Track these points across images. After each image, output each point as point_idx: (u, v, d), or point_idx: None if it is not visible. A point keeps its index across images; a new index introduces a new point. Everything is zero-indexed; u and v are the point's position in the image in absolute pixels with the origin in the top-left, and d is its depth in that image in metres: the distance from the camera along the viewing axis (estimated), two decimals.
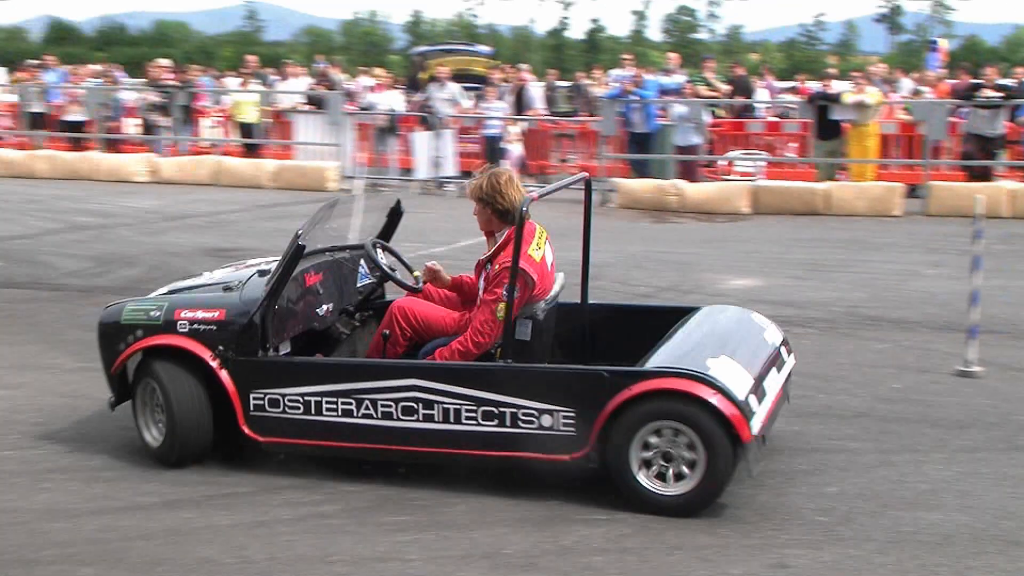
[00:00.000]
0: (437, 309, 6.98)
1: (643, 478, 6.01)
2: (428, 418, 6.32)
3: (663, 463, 5.99)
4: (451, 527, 5.83)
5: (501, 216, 6.71)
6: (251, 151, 23.21)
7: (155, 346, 6.81)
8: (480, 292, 6.69)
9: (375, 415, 6.41)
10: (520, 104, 22.38)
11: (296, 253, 6.64)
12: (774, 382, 6.52)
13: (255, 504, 6.12)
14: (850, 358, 9.19)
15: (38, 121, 24.84)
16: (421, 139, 21.00)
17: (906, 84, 24.07)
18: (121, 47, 79.54)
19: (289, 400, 6.58)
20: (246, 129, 23.46)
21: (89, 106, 24.33)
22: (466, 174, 21.13)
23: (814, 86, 22.22)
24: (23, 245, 14.85)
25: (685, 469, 5.96)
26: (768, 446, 6.52)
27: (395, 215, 7.83)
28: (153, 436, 6.84)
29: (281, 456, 6.67)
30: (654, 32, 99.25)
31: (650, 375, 6.03)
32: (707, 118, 19.94)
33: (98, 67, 31.21)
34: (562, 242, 14.45)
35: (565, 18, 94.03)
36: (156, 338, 6.81)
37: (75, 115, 24.47)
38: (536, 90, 23.35)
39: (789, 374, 7.02)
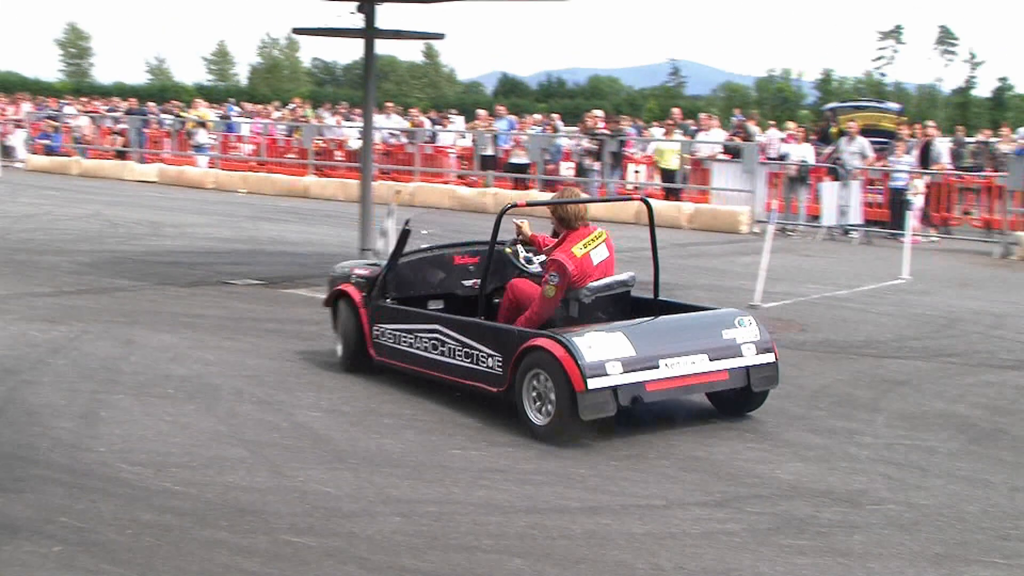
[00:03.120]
0: (535, 288, 8.29)
1: (528, 409, 7.52)
2: (442, 353, 8.29)
3: (538, 401, 7.45)
4: (848, 555, 5.63)
5: (560, 222, 8.26)
6: (671, 194, 23.42)
7: (339, 290, 9.43)
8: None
9: (421, 348, 8.49)
10: (926, 158, 21.49)
11: (403, 234, 8.98)
12: (690, 365, 7.61)
13: (666, 517, 6.13)
14: None
15: (488, 162, 26.02)
16: (829, 188, 20.50)
17: None
18: (560, 99, 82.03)
19: (388, 332, 8.88)
20: (667, 174, 23.71)
21: (532, 150, 25.29)
22: (870, 223, 20.52)
23: None
24: None
25: (552, 404, 7.34)
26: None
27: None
28: (339, 351, 9.43)
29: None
30: None
31: (534, 335, 7.59)
32: None
33: (539, 116, 32.37)
34: (960, 291, 13.68)
35: (972, 77, 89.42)
36: (341, 285, 9.48)
37: (519, 158, 25.51)
38: (943, 145, 22.36)
39: (758, 368, 7.91)
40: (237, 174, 29.08)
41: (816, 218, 20.95)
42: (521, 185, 24.93)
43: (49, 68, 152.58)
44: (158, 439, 7.34)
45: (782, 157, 22.48)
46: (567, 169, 25.36)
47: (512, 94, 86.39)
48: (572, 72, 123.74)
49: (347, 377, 9.13)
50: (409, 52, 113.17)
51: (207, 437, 7.42)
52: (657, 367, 7.46)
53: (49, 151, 33.41)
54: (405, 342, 8.68)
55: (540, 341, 7.45)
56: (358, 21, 14.09)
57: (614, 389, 7.26)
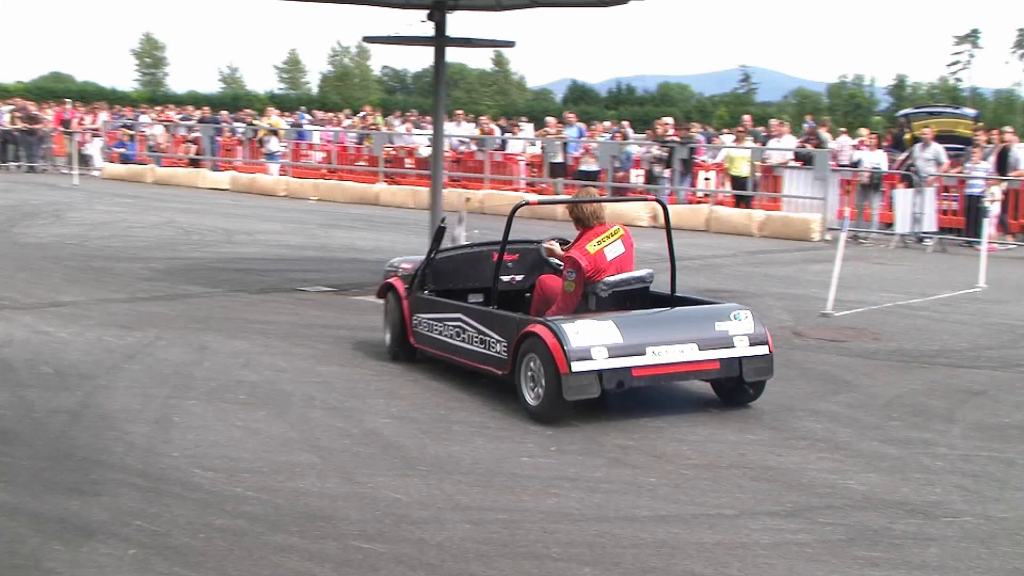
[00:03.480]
0: (561, 283, 8.80)
1: (525, 391, 8.11)
2: (464, 340, 8.92)
3: (532, 382, 8.02)
4: (923, 568, 5.54)
5: (576, 222, 8.84)
6: (741, 202, 23.27)
7: (388, 283, 10.19)
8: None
9: (448, 335, 9.14)
10: (1003, 165, 21.14)
11: (438, 232, 9.91)
12: (677, 353, 8.05)
13: (737, 527, 6.07)
14: None
15: (557, 170, 25.99)
16: (903, 196, 20.24)
17: None
18: (630, 106, 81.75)
19: (424, 321, 9.54)
20: (738, 182, 23.56)
21: (601, 158, 25.25)
22: (944, 231, 20.24)
23: None
24: None
25: (542, 387, 7.89)
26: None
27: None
28: (387, 340, 10.15)
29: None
30: None
31: (529, 321, 8.20)
32: None
33: (609, 124, 32.31)
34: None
35: None
36: (389, 278, 10.29)
37: (589, 165, 25.45)
38: (1021, 151, 21.95)
39: (750, 360, 8.30)
40: (308, 182, 29.34)
41: (889, 225, 20.72)
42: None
43: (125, 78, 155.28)
44: (230, 444, 7.42)
45: (854, 164, 22.25)
46: (637, 176, 25.28)
47: (582, 101, 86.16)
48: (642, 79, 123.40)
49: (417, 384, 9.18)
50: (479, 60, 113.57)
51: (278, 443, 7.48)
52: (644, 354, 7.94)
53: (125, 159, 33.92)
54: (436, 330, 9.36)
55: (534, 327, 8.03)
56: (428, 29, 14.15)
57: (599, 373, 7.78)
